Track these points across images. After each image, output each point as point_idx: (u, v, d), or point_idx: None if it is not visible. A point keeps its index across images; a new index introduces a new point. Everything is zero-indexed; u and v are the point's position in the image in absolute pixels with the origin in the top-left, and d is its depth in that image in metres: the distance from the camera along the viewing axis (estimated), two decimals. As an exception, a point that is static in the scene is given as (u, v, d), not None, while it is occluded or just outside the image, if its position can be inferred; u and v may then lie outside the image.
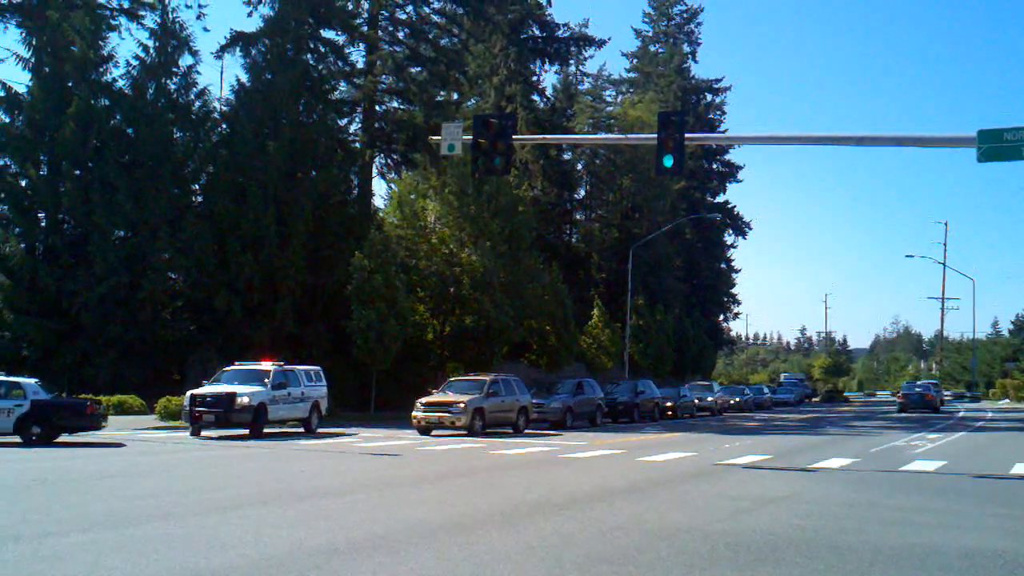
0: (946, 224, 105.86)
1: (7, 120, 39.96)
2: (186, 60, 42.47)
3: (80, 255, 38.47)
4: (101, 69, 40.84)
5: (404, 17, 51.54)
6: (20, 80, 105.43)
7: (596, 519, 12.03)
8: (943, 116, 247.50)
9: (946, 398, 76.61)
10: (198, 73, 45.62)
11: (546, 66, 69.66)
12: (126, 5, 43.40)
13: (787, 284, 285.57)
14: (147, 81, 41.29)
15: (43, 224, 40.00)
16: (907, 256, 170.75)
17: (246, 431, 27.56)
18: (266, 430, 28.32)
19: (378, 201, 55.49)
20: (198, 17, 47.18)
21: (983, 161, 19.16)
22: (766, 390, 73.56)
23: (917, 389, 61.22)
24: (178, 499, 13.47)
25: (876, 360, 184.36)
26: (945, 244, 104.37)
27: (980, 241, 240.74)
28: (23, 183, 39.65)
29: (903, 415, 53.26)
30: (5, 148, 39.62)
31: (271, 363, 29.59)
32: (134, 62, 41.52)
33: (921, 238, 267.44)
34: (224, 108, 44.79)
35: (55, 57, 39.60)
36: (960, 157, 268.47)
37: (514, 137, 23.41)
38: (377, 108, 50.52)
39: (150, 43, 41.61)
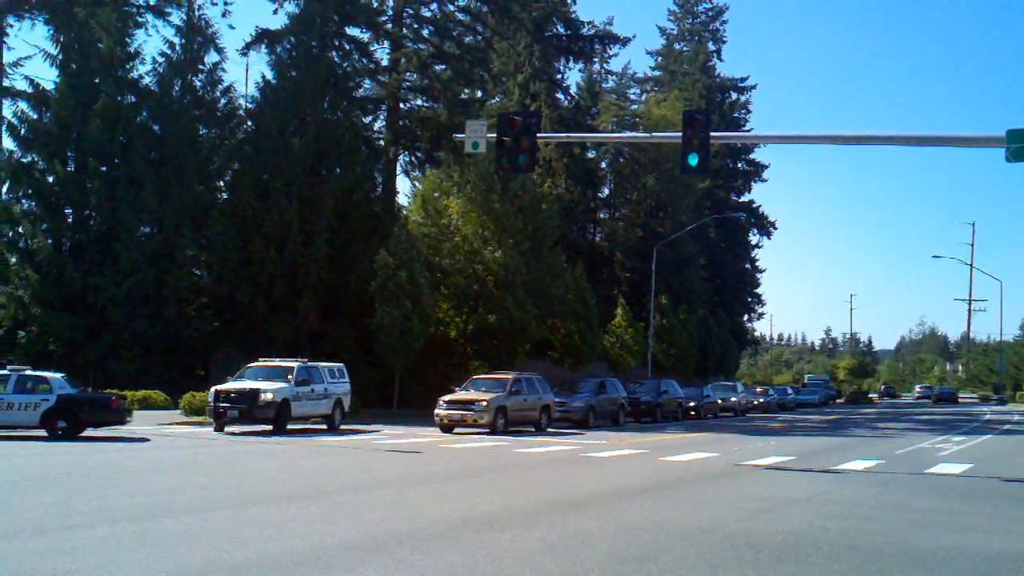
0: (973, 225, 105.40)
1: (35, 116, 40.27)
2: (212, 57, 42.73)
3: (106, 251, 38.73)
4: (128, 66, 41.07)
5: (429, 15, 51.58)
6: (48, 77, 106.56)
7: (618, 518, 12.00)
8: (971, 115, 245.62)
9: (972, 399, 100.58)
10: (223, 70, 45.79)
11: (570, 64, 69.53)
12: (152, 2, 43.62)
13: (812, 284, 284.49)
14: (173, 78, 41.51)
15: (70, 220, 40.28)
16: (934, 257, 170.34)
17: (269, 427, 27.68)
18: (289, 426, 28.41)
19: (402, 199, 55.64)
20: (224, 14, 47.49)
21: (1012, 161, 18.95)
22: (790, 391, 73.14)
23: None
24: (201, 494, 13.53)
25: (902, 362, 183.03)
26: (972, 245, 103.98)
27: (1008, 242, 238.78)
28: (50, 179, 39.93)
29: (927, 418, 53.03)
30: (33, 144, 39.94)
31: (295, 360, 29.76)
32: (160, 59, 41.77)
33: (948, 239, 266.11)
34: (249, 105, 44.95)
35: (82, 54, 39.86)
36: (988, 157, 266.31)
37: (538, 135, 23.36)
38: (401, 106, 50.57)
39: (176, 40, 41.86)
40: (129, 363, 37.69)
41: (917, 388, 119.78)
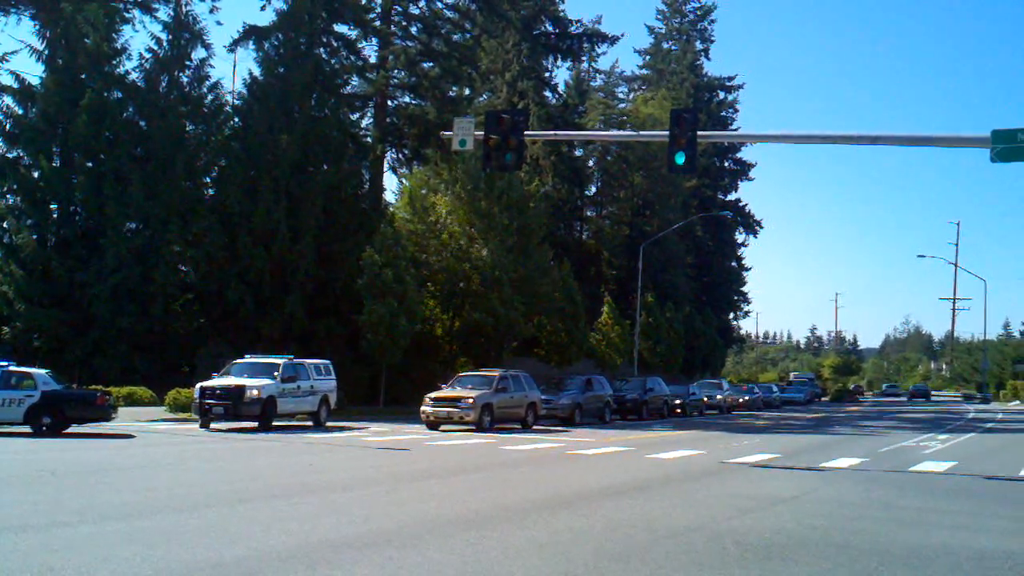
0: (958, 224, 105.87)
1: (20, 112, 40.04)
2: (199, 53, 42.47)
3: (92, 247, 38.56)
4: (114, 62, 40.86)
5: (417, 12, 51.53)
6: (34, 72, 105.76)
7: (605, 516, 12.02)
8: (957, 116, 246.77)
9: (955, 398, 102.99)
10: (211, 67, 45.71)
11: (558, 62, 69.59)
12: (140, -2, 43.46)
13: (798, 283, 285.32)
14: (160, 74, 41.34)
15: (55, 216, 40.08)
16: (919, 256, 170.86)
17: (255, 424, 27.63)
18: (275, 423, 28.38)
19: (389, 196, 55.61)
20: (211, 11, 47.25)
21: (997, 161, 19.08)
22: (775, 389, 73.36)
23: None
24: (188, 491, 13.50)
25: (886, 360, 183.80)
26: (957, 244, 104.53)
27: (992, 242, 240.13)
28: (36, 175, 39.72)
29: (912, 416, 53.26)
30: (18, 140, 39.71)
31: (281, 356, 29.70)
32: (147, 55, 41.56)
33: (933, 238, 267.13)
34: (236, 102, 44.81)
35: (69, 49, 39.65)
36: (973, 157, 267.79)
37: (526, 133, 23.39)
38: (389, 103, 50.51)
39: (163, 36, 41.66)
40: (115, 359, 37.53)
41: (884, 387, 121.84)
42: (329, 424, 30.27)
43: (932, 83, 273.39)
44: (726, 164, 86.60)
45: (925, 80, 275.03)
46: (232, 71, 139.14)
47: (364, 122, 51.05)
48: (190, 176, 41.85)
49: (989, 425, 43.48)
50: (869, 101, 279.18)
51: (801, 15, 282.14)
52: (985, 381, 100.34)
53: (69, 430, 23.80)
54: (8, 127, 39.78)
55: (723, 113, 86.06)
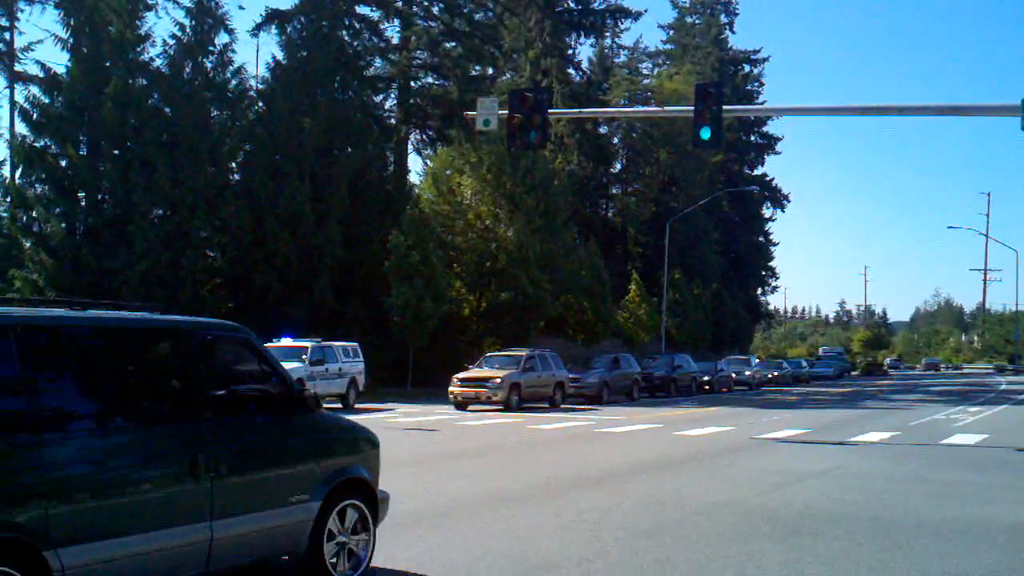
0: (989, 195, 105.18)
1: (47, 101, 40.28)
2: (222, 38, 42.52)
3: (120, 234, 38.81)
4: (138, 48, 40.99)
5: (438, -8, 51.42)
6: (59, 61, 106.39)
7: (634, 494, 12.03)
8: (986, 85, 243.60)
9: (988, 370, 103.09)
10: (234, 51, 45.79)
11: (582, 39, 69.29)
12: (162, -16, 43.58)
13: (826, 257, 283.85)
14: (184, 60, 41.45)
15: (83, 204, 40.35)
16: (949, 227, 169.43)
17: (285, 407, 27.76)
18: (305, 406, 28.48)
19: (414, 177, 55.59)
20: (233, -5, 47.41)
21: (1027, 130, 18.84)
22: (804, 364, 73.06)
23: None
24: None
25: (917, 333, 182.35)
26: (988, 215, 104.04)
27: None
28: (63, 163, 40.02)
29: (942, 389, 52.99)
30: (45, 128, 39.96)
31: (309, 339, 29.85)
32: (171, 41, 41.68)
33: (963, 209, 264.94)
34: (260, 86, 44.96)
35: (93, 37, 39.82)
36: (1003, 126, 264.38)
37: (550, 111, 23.32)
38: (412, 84, 50.50)
39: (186, 22, 41.73)
40: (145, 346, 37.81)
41: (887, 360, 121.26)
42: (358, 406, 30.40)
43: (960, 52, 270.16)
44: (752, 138, 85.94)
45: (953, 49, 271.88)
46: (255, 55, 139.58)
47: (387, 104, 51.13)
48: (216, 161, 42.00)
49: (1021, 397, 43.13)
50: (896, 71, 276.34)
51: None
52: (1018, 352, 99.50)
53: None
54: (35, 116, 40.05)
55: (749, 87, 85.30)
